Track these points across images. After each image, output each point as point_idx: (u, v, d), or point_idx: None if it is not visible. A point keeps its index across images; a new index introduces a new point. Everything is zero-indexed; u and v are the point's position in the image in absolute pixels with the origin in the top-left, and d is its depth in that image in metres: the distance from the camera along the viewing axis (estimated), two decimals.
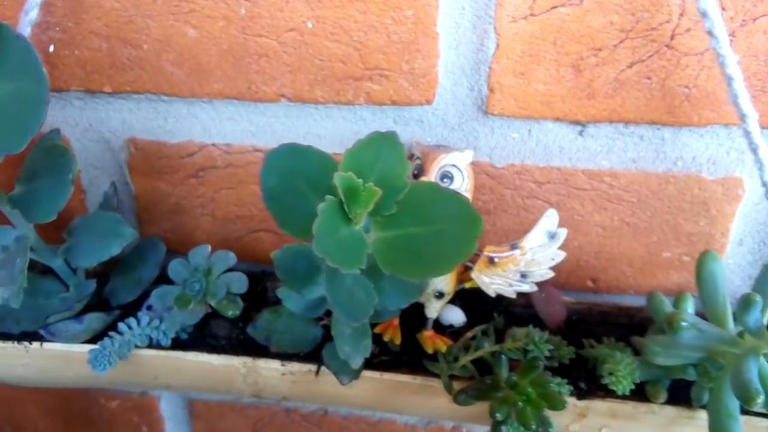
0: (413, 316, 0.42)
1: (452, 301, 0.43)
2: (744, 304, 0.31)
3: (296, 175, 0.31)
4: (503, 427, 0.35)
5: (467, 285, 0.41)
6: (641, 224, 0.42)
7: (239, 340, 0.42)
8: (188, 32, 0.39)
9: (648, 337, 0.35)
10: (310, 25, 0.38)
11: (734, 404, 0.32)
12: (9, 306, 0.40)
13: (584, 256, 0.44)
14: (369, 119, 0.42)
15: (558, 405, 0.33)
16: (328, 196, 0.29)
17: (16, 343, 0.42)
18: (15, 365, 0.42)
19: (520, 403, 0.33)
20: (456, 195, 0.30)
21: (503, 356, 0.37)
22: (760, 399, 0.28)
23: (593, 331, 0.43)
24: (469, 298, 0.43)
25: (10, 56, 0.27)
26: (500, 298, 0.44)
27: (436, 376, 0.39)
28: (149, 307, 0.43)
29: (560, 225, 0.41)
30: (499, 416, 0.33)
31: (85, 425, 0.62)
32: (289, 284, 0.36)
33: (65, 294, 0.42)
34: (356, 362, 0.36)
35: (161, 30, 0.39)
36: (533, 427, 0.32)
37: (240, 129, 0.43)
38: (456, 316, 0.43)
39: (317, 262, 0.36)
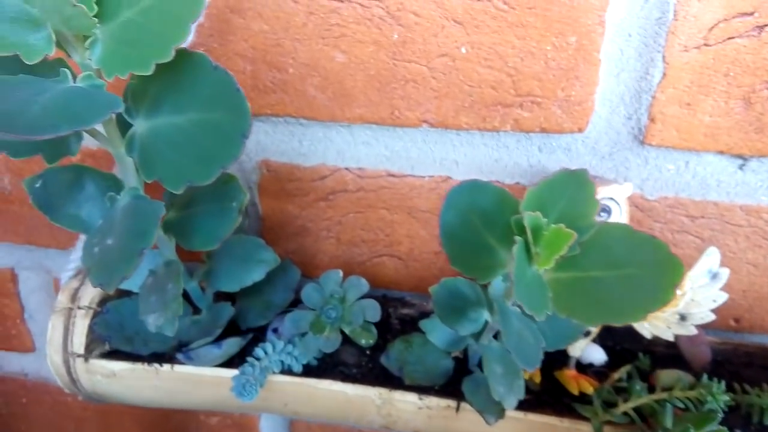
0: (548, 353, 0.41)
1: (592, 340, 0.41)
2: None
3: (473, 211, 0.30)
4: None
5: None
6: None
7: (370, 369, 0.41)
8: (336, 57, 0.38)
9: None
10: (464, 50, 0.37)
11: None
12: (140, 324, 0.41)
13: (731, 294, 0.42)
14: (512, 146, 0.40)
15: None
16: (517, 237, 0.28)
17: (146, 364, 0.41)
18: (143, 387, 0.42)
19: None
20: (652, 238, 0.29)
21: (670, 405, 0.35)
22: None
23: (741, 374, 0.40)
24: (605, 335, 0.41)
25: (205, 86, 0.27)
26: (639, 336, 0.42)
27: (585, 419, 0.37)
28: (275, 330, 0.42)
29: None
30: None
31: None
32: (444, 319, 0.35)
33: (197, 317, 0.41)
34: (510, 403, 0.35)
35: (309, 54, 0.39)
36: None
37: (374, 153, 0.42)
38: (597, 355, 0.41)
39: (473, 298, 0.35)
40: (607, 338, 0.42)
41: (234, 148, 0.27)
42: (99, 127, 0.29)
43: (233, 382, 0.37)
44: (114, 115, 0.28)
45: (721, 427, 0.32)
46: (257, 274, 0.38)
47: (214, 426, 0.60)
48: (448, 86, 0.38)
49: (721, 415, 0.32)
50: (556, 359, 0.41)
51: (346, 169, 0.43)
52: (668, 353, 0.41)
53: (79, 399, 0.62)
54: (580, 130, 0.39)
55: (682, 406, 0.35)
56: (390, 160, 0.42)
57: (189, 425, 0.60)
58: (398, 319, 0.44)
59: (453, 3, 0.36)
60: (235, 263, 0.38)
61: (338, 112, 0.40)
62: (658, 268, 0.28)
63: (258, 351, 0.40)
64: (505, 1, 0.35)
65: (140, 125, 0.30)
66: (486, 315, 0.35)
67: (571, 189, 0.29)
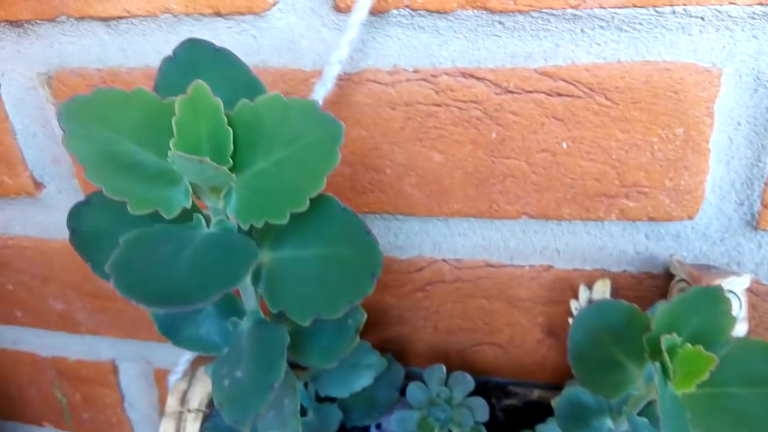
0: None
1: None
2: None
3: (603, 329, 0.29)
4: None
5: None
6: None
7: None
8: (434, 157, 0.39)
9: None
10: (564, 145, 0.37)
11: None
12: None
13: None
14: (617, 234, 0.39)
15: None
16: (656, 362, 0.27)
17: None
18: None
19: None
20: None
21: None
22: None
23: None
24: None
25: (332, 224, 0.27)
26: None
27: None
28: (378, 426, 0.42)
29: None
30: None
31: None
32: (566, 430, 0.34)
33: (304, 418, 0.41)
34: None
35: (406, 155, 0.39)
36: None
37: (471, 244, 0.42)
38: None
39: (596, 407, 0.34)
40: None
41: (363, 286, 0.27)
42: None
43: None
44: None
45: None
46: (365, 380, 0.38)
47: None
48: (548, 180, 0.38)
49: None
50: None
51: (443, 260, 0.43)
52: None
53: None
54: (690, 218, 0.37)
55: None
56: (488, 250, 0.42)
57: None
58: (502, 410, 0.43)
59: (553, 101, 0.36)
60: (344, 368, 0.38)
61: (435, 208, 0.40)
62: None
63: None
64: (607, 97, 0.35)
65: (265, 256, 0.31)
66: (609, 423, 0.34)
67: (706, 304, 0.28)
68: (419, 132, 0.38)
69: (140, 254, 0.26)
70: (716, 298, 0.28)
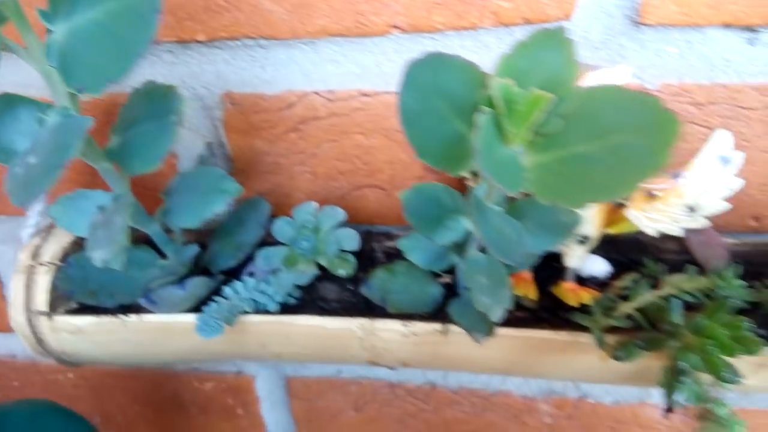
0: (546, 271, 0.37)
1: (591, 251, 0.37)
2: None
3: (438, 92, 0.26)
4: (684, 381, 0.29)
5: (612, 230, 0.36)
6: None
7: (352, 303, 0.38)
8: None
9: None
10: None
11: None
12: (104, 276, 0.38)
13: (748, 190, 0.37)
14: (493, 45, 0.36)
15: (753, 349, 0.27)
16: (486, 108, 0.24)
17: (112, 317, 0.38)
18: (112, 341, 0.39)
19: (710, 348, 0.27)
20: (642, 95, 0.24)
21: (679, 300, 0.31)
22: None
23: (763, 273, 0.36)
24: (609, 247, 0.38)
25: None
26: (645, 246, 0.38)
27: (585, 329, 0.34)
28: (251, 274, 0.39)
29: None
30: (685, 365, 0.28)
31: (176, 410, 0.59)
32: (418, 228, 0.31)
33: (164, 262, 0.38)
34: (496, 314, 0.31)
35: None
36: (723, 376, 0.27)
37: (344, 72, 0.39)
38: (599, 267, 0.37)
39: (451, 203, 0.32)
40: (611, 250, 0.38)
41: (149, 29, 0.24)
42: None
43: (197, 320, 0.34)
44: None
45: (738, 317, 0.28)
46: (218, 206, 0.34)
47: (209, 391, 0.57)
48: None
49: (738, 302, 0.28)
50: (553, 275, 0.37)
51: (315, 93, 0.39)
52: (679, 260, 0.37)
53: (69, 376, 0.60)
54: (566, 17, 0.35)
55: (691, 300, 0.32)
56: (361, 78, 0.39)
57: (183, 394, 0.58)
58: (383, 252, 0.41)
59: None
60: (195, 196, 0.35)
61: (299, 26, 0.37)
62: (650, 129, 0.24)
63: (227, 290, 0.36)
64: None
65: (59, 29, 0.27)
66: (466, 223, 0.31)
67: (547, 51, 0.25)
68: None
69: None
70: (558, 42, 0.25)
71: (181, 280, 0.36)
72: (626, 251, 0.39)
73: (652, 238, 0.37)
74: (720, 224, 0.39)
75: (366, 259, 0.40)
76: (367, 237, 0.42)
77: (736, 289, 0.31)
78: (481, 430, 0.54)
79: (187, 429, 0.61)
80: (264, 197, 0.44)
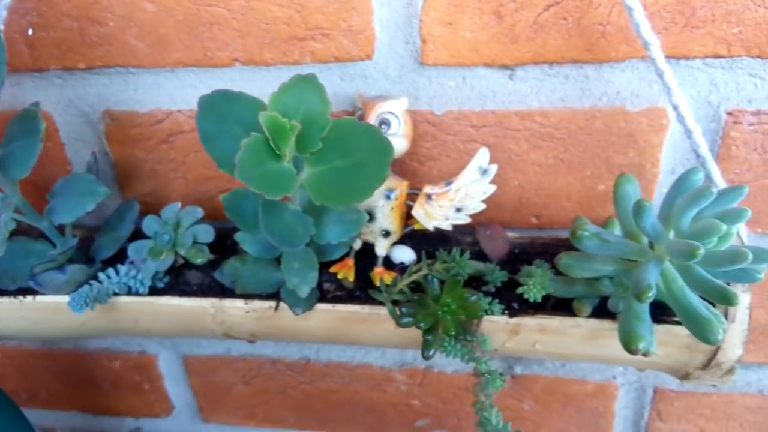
0: (368, 259, 0.46)
1: (403, 243, 0.46)
2: (636, 210, 0.33)
3: (230, 118, 0.35)
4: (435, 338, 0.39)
5: (416, 227, 0.45)
6: (574, 159, 0.45)
7: (210, 286, 0.47)
8: (147, 7, 0.43)
9: (562, 252, 0.38)
10: None
11: (642, 308, 0.35)
12: (7, 264, 0.46)
13: (525, 194, 0.47)
14: (319, 76, 0.45)
15: (475, 313, 0.36)
16: (253, 133, 0.33)
17: (12, 297, 0.46)
18: (13, 318, 0.47)
19: (440, 313, 0.36)
20: (369, 127, 0.34)
21: (434, 278, 0.40)
22: (651, 293, 0.31)
23: (533, 261, 0.46)
24: (419, 239, 0.47)
25: None
26: (449, 237, 0.47)
27: (383, 305, 0.43)
28: (132, 262, 0.48)
29: (500, 165, 0.44)
30: (422, 325, 0.37)
31: (91, 386, 0.67)
32: (239, 224, 0.40)
33: (52, 251, 0.46)
34: (303, 292, 0.40)
35: (124, 7, 0.43)
36: (452, 333, 0.36)
37: (201, 94, 0.47)
38: (406, 255, 0.46)
39: (257, 203, 0.40)
40: (422, 242, 0.47)
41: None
42: None
43: (69, 297, 0.42)
44: None
45: (466, 290, 0.38)
46: (89, 205, 0.43)
47: (118, 369, 0.65)
48: (248, 26, 0.43)
49: (464, 277, 0.38)
50: (373, 263, 0.46)
51: (179, 111, 0.48)
52: (473, 250, 0.46)
53: None
54: (369, 57, 0.44)
55: (442, 278, 0.41)
56: None
57: (96, 371, 0.66)
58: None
59: None
60: (72, 197, 0.43)
61: (159, 58, 0.45)
62: (375, 152, 0.33)
63: (101, 275, 0.45)
64: None
65: None
66: None
67: (307, 91, 0.34)
68: None
69: None
70: (313, 85, 0.34)
71: (62, 267, 0.45)
72: (433, 243, 0.48)
73: (454, 232, 0.46)
74: (508, 222, 0.49)
75: (231, 251, 0.49)
76: (233, 232, 0.50)
77: (463, 268, 0.40)
78: (350, 398, 0.63)
79: (102, 403, 0.69)
80: (147, 198, 0.52)
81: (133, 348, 0.63)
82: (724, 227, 0.33)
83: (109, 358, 0.64)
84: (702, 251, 0.32)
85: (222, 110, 0.35)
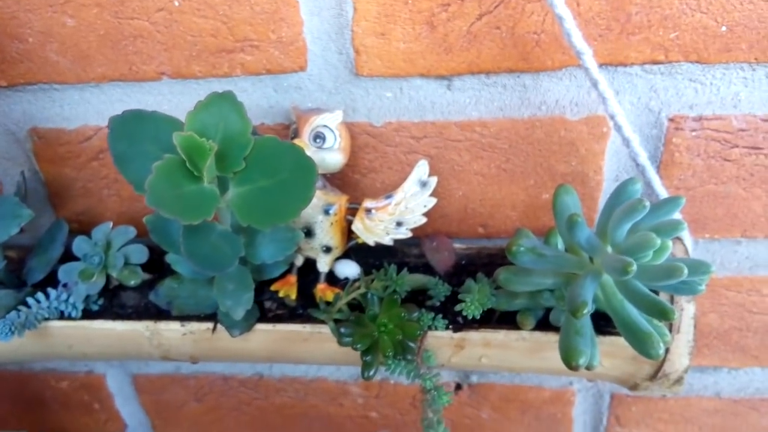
0: (315, 274, 0.44)
1: (348, 257, 0.45)
2: (568, 225, 0.32)
3: (144, 138, 0.33)
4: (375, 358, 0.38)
5: (359, 241, 0.43)
6: (517, 169, 0.44)
7: (146, 308, 0.45)
8: (67, 22, 0.41)
9: (501, 267, 0.37)
10: (177, 3, 0.40)
11: (582, 322, 0.34)
12: None
13: (470, 204, 0.46)
14: (250, 90, 0.43)
15: (413, 332, 0.35)
16: (166, 155, 0.31)
17: None
18: None
19: (376, 334, 0.35)
20: (292, 146, 0.32)
21: (374, 296, 0.39)
22: (586, 310, 0.30)
23: (478, 272, 0.45)
24: (365, 253, 0.45)
25: None
26: (395, 250, 0.46)
27: (326, 323, 0.41)
28: (65, 285, 0.46)
29: (443, 176, 0.43)
30: (359, 347, 0.36)
31: (41, 407, 0.65)
32: (166, 248, 0.38)
33: None
34: (238, 314, 0.38)
35: (42, 22, 0.41)
36: (390, 353, 0.35)
37: (127, 108, 0.45)
38: (350, 270, 0.45)
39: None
40: (368, 255, 0.46)
41: None
42: None
43: None
44: None
45: (408, 306, 0.37)
46: (13, 228, 0.41)
47: (66, 389, 0.63)
48: (173, 38, 0.41)
49: (401, 296, 0.37)
50: (316, 279, 0.45)
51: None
52: (420, 263, 0.45)
53: None
54: (302, 69, 0.42)
55: (381, 295, 0.40)
56: None
57: (44, 392, 0.63)
58: None
59: None
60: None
61: (82, 73, 0.43)
62: (300, 171, 0.32)
63: (30, 300, 0.43)
64: None
65: None
66: None
67: (225, 110, 0.33)
68: None
69: None
70: (232, 103, 0.33)
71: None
72: (379, 256, 0.46)
73: (400, 245, 0.45)
74: (455, 232, 0.48)
75: (166, 269, 0.47)
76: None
77: (401, 286, 0.39)
78: (306, 413, 0.62)
79: (53, 423, 0.67)
80: (81, 217, 0.50)
81: (80, 368, 0.61)
82: (658, 241, 0.32)
83: (55, 378, 0.62)
84: (635, 267, 0.31)
85: (135, 130, 0.33)
